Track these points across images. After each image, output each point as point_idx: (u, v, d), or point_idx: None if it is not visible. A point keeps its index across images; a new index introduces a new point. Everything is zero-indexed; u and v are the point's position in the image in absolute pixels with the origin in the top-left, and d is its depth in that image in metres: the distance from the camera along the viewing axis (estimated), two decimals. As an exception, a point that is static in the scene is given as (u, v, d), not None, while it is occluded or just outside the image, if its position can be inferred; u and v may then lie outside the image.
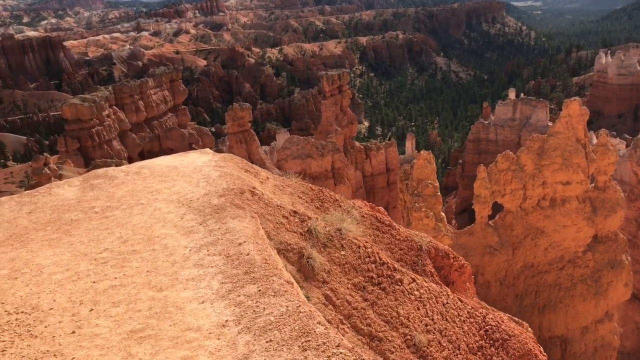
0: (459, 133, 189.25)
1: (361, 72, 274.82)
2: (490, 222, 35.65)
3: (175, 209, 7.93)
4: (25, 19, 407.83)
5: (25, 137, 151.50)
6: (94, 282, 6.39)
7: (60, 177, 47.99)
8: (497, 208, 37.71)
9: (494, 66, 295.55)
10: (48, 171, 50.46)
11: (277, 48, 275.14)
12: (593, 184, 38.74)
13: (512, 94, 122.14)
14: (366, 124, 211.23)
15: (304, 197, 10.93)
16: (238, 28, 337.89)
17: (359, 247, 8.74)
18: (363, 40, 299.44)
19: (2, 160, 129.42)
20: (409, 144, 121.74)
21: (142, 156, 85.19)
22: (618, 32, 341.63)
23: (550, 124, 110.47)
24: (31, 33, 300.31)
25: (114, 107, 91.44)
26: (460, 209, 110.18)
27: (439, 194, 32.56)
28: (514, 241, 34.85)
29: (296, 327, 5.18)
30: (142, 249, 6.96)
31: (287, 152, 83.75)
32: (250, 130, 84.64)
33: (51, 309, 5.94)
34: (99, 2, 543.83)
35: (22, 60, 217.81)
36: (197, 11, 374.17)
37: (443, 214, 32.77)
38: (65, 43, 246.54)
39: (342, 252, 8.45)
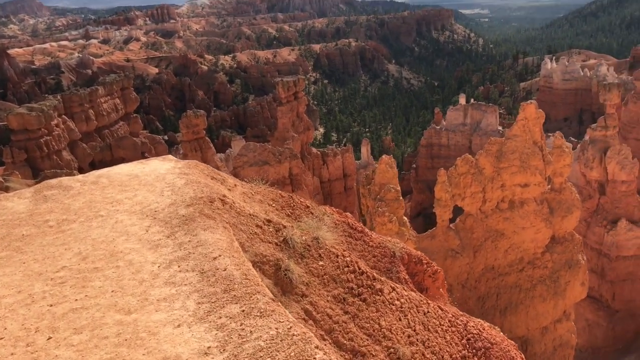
0: (411, 138, 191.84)
1: (315, 79, 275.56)
2: (451, 226, 35.85)
3: (139, 220, 7.29)
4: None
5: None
6: (51, 306, 5.68)
7: (7, 189, 45.74)
8: (456, 211, 38.01)
9: (444, 73, 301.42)
10: (-8, 184, 48.04)
11: (230, 55, 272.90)
12: (549, 186, 39.58)
13: (462, 100, 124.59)
14: (321, 130, 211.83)
15: (274, 205, 10.42)
16: (190, 35, 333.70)
17: (337, 256, 8.28)
18: (316, 47, 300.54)
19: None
20: (365, 150, 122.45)
21: (93, 166, 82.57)
22: (561, 39, 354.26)
23: (500, 128, 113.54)
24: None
25: (63, 116, 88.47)
26: (414, 212, 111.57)
27: (401, 198, 32.51)
28: (475, 244, 35.13)
29: (292, 354, 4.58)
30: (104, 266, 6.30)
31: (243, 159, 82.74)
32: (205, 137, 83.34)
33: (1, 338, 5.22)
34: (45, 9, 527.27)
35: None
36: (147, 18, 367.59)
37: (406, 218, 32.70)
38: (10, 51, 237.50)
39: (320, 263, 7.97)
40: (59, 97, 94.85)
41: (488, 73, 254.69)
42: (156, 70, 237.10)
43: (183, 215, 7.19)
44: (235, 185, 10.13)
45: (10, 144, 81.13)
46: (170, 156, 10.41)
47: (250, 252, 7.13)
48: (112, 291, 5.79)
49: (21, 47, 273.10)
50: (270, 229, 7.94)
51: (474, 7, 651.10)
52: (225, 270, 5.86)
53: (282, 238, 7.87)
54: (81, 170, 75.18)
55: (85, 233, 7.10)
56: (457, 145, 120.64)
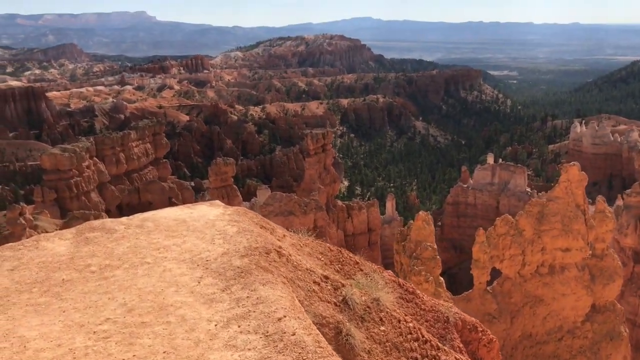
0: (437, 195, 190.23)
1: (342, 133, 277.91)
2: (488, 289, 34.35)
3: (189, 270, 6.67)
4: (9, 69, 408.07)
5: (1, 186, 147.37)
6: None
7: (35, 228, 45.87)
8: (493, 274, 36.53)
9: (471, 132, 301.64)
10: (23, 221, 48.23)
11: (260, 106, 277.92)
12: (590, 252, 38.00)
13: (490, 159, 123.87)
14: (346, 183, 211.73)
15: (322, 258, 9.75)
16: (222, 86, 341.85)
17: (399, 321, 7.51)
18: (344, 102, 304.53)
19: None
20: (390, 205, 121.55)
21: (121, 209, 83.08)
22: (590, 103, 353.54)
23: (528, 189, 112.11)
24: (14, 83, 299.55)
25: (95, 158, 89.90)
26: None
27: (438, 257, 31.29)
28: (512, 309, 33.47)
29: None
30: (153, 321, 5.64)
31: (269, 208, 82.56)
32: (233, 185, 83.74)
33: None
34: (85, 55, 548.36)
35: (2, 108, 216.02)
36: (182, 68, 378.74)
37: (442, 278, 31.36)
38: (48, 94, 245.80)
39: (382, 328, 7.20)
40: (91, 139, 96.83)
41: (516, 134, 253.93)
42: (187, 117, 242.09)
43: (238, 267, 6.55)
44: (284, 235, 9.53)
45: (42, 184, 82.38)
46: (217, 202, 9.90)
47: (309, 312, 6.42)
48: (164, 352, 5.10)
49: (59, 91, 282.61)
50: (329, 287, 7.24)
51: (502, 69, 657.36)
52: (294, 334, 5.14)
53: (341, 297, 7.15)
54: (108, 213, 75.54)
55: (130, 281, 6.50)
56: (484, 204, 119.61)
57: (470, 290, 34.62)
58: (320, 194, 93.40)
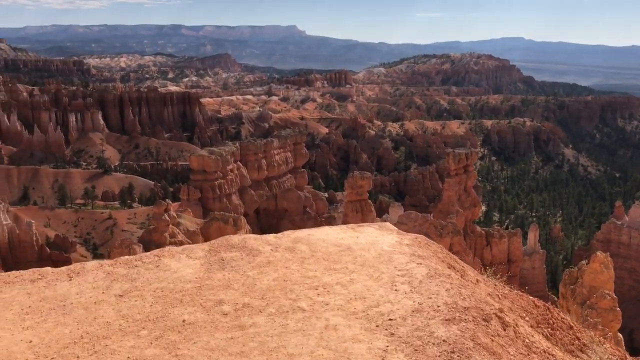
0: (583, 230, 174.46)
1: (482, 155, 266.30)
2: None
3: (365, 333, 4.32)
4: (170, 75, 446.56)
5: (153, 182, 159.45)
6: None
7: (178, 225, 47.18)
8: None
9: (628, 164, 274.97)
10: (167, 218, 49.96)
11: (399, 123, 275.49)
12: None
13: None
14: (483, 208, 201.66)
15: (527, 318, 6.97)
16: (362, 100, 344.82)
17: None
18: (488, 123, 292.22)
19: (129, 201, 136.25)
20: (532, 236, 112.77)
21: (257, 213, 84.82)
22: None
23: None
24: (173, 88, 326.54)
25: (238, 162, 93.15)
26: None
27: (618, 308, 26.17)
28: None
29: None
30: None
31: (402, 227, 79.26)
32: (368, 200, 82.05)
33: None
34: (237, 65, 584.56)
35: (161, 111, 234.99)
36: (325, 82, 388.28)
37: (620, 335, 26.20)
38: (202, 100, 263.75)
39: None
40: (237, 144, 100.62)
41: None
42: (326, 130, 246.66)
43: (444, 341, 4.09)
44: (477, 281, 6.88)
45: (188, 183, 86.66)
46: (388, 224, 7.48)
47: None
48: None
49: (212, 97, 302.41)
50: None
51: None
52: None
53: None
54: (246, 216, 77.21)
55: (276, 339, 4.29)
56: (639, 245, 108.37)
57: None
58: (459, 217, 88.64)
